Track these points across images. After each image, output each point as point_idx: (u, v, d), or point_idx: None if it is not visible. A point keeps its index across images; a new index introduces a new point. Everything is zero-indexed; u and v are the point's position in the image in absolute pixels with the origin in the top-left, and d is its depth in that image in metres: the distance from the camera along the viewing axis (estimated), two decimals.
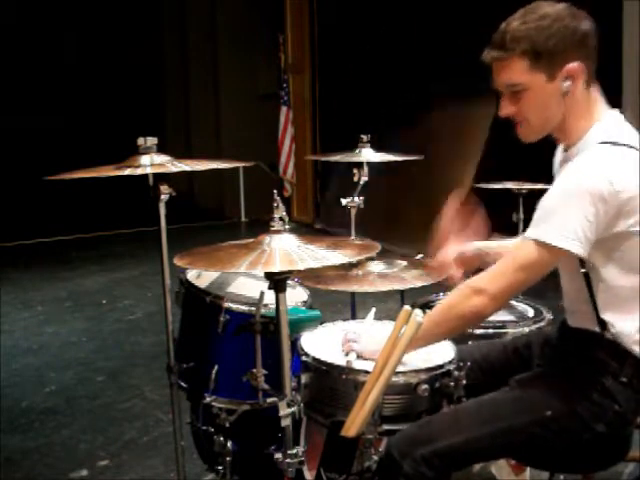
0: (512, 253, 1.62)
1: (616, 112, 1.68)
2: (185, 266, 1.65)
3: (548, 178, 3.00)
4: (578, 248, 1.53)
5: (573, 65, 1.58)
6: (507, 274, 1.59)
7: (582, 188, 1.52)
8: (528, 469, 2.15)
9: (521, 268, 1.57)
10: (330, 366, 1.74)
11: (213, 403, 2.05)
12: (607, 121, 1.64)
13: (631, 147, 1.59)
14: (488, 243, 2.02)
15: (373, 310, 2.08)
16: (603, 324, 1.63)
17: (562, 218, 1.53)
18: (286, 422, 1.61)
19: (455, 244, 2.02)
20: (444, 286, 2.06)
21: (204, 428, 2.16)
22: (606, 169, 1.53)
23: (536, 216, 1.60)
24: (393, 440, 1.64)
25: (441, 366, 1.73)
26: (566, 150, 1.72)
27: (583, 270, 1.62)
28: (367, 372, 1.65)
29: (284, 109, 8.05)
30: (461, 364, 1.76)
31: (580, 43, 1.58)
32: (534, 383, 1.72)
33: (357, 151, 2.72)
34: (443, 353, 1.81)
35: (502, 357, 1.94)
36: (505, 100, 1.66)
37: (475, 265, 1.98)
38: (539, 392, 1.68)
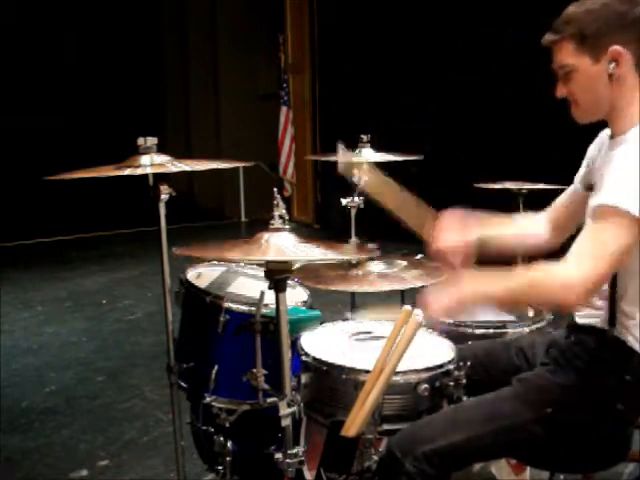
0: (591, 232, 1.54)
1: None
2: (184, 254, 1.63)
3: (548, 178, 3.01)
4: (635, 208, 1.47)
5: (616, 47, 1.60)
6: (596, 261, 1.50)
7: None
8: (528, 469, 2.15)
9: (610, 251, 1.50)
10: (330, 366, 1.74)
11: (213, 403, 2.05)
12: None
13: None
14: (487, 231, 2.00)
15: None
16: (613, 320, 1.63)
17: (623, 180, 1.50)
18: (286, 422, 1.61)
19: (452, 232, 2.00)
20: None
21: (204, 428, 2.16)
22: None
23: (608, 183, 1.55)
24: (394, 438, 1.64)
25: (441, 366, 1.73)
26: (612, 137, 1.70)
27: None
28: (367, 372, 1.65)
29: (284, 109, 8.05)
30: (461, 364, 1.76)
31: (626, 27, 1.60)
32: (535, 381, 1.72)
33: (357, 151, 2.71)
34: (443, 353, 1.81)
35: (505, 356, 1.95)
36: (560, 82, 1.70)
37: (474, 253, 1.96)
38: (540, 390, 1.68)
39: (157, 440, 3.15)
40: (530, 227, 2.04)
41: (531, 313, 2.35)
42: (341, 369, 1.72)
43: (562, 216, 1.96)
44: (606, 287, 1.63)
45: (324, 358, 1.77)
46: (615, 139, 1.67)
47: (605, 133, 1.79)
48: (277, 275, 1.56)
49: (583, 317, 1.74)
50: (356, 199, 2.70)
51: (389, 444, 1.64)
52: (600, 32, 1.60)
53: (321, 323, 2.08)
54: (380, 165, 2.71)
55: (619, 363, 1.63)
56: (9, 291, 5.53)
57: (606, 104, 1.65)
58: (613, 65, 1.61)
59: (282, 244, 1.59)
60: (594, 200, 1.56)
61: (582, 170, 1.88)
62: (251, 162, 2.47)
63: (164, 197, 2.00)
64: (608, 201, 1.51)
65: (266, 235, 1.63)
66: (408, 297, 2.43)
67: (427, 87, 6.72)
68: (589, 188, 1.76)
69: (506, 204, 3.05)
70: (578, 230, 1.62)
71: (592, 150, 1.85)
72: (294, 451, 1.63)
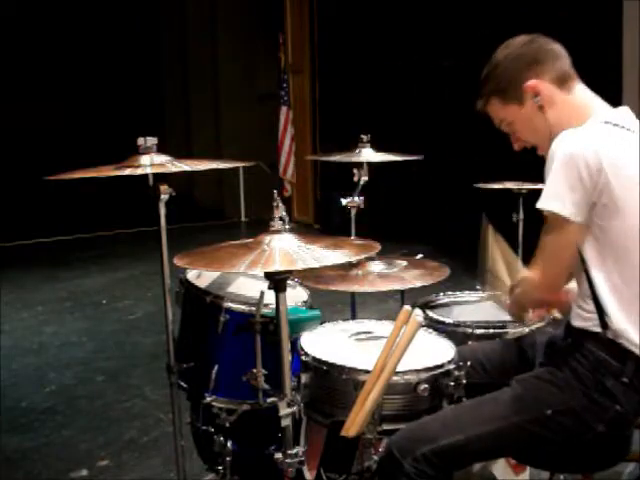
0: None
1: (624, 108, 1.73)
2: (185, 266, 1.65)
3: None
4: (561, 208, 1.57)
5: (530, 83, 1.72)
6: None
7: (567, 153, 1.58)
8: (528, 469, 2.15)
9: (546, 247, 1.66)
10: (330, 366, 1.74)
11: (213, 403, 2.05)
12: (603, 113, 1.70)
13: (628, 130, 1.65)
14: None
15: None
16: (605, 324, 1.64)
17: (549, 183, 1.60)
18: (286, 422, 1.62)
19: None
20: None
21: (204, 428, 2.16)
22: (593, 140, 1.59)
23: None
24: (394, 439, 1.64)
25: (441, 366, 1.73)
26: None
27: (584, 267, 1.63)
28: (367, 372, 1.65)
29: (284, 109, 8.05)
30: (461, 364, 1.76)
31: (529, 64, 1.73)
32: (535, 382, 1.72)
33: (357, 151, 2.71)
34: (443, 353, 1.82)
35: (506, 356, 1.95)
36: (511, 137, 1.84)
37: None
38: (540, 391, 1.68)
39: (157, 440, 3.15)
40: None
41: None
42: (341, 369, 1.72)
43: None
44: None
45: (324, 358, 1.77)
46: None
47: None
48: (277, 275, 1.56)
49: (577, 320, 1.74)
50: (356, 199, 2.70)
51: (389, 444, 1.64)
52: (511, 80, 1.74)
53: (321, 323, 2.08)
54: (380, 165, 2.73)
55: (616, 365, 1.63)
56: (9, 291, 5.52)
57: (554, 129, 1.71)
58: (538, 98, 1.73)
59: (286, 248, 1.59)
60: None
61: None
62: (251, 162, 2.47)
63: (164, 197, 2.01)
64: (541, 206, 1.61)
65: (267, 238, 1.63)
66: (408, 297, 2.43)
67: (427, 87, 6.72)
68: None
69: (506, 204, 3.06)
70: None
71: None
72: (294, 451, 1.63)
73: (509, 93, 1.76)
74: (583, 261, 1.63)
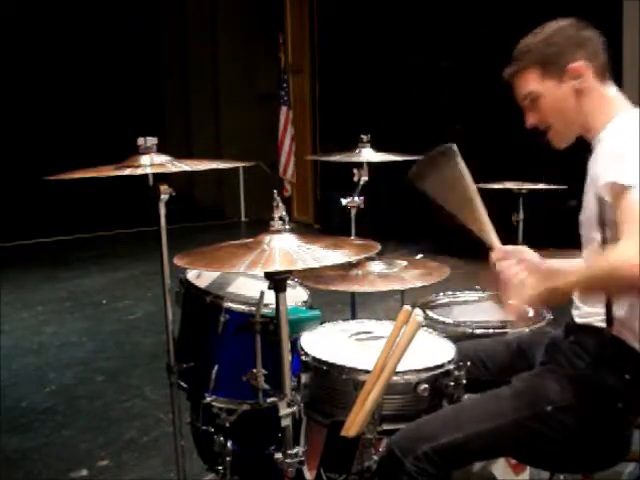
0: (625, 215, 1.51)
1: None
2: (185, 266, 1.65)
3: (548, 178, 3.01)
4: None
5: (576, 64, 1.70)
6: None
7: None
8: (528, 469, 2.15)
9: None
10: (330, 366, 1.74)
11: (213, 403, 2.05)
12: (633, 111, 1.70)
13: None
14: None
15: None
16: (610, 320, 1.63)
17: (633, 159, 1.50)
18: (286, 422, 1.62)
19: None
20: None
21: (204, 428, 2.16)
22: None
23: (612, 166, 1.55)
24: (395, 438, 1.64)
25: (441, 366, 1.73)
26: (591, 144, 1.74)
27: None
28: (367, 372, 1.65)
29: (284, 109, 8.05)
30: (461, 364, 1.76)
31: (580, 45, 1.71)
32: (536, 379, 1.72)
33: (357, 151, 2.71)
34: (443, 353, 1.82)
35: (506, 355, 1.95)
36: (528, 112, 1.79)
37: None
38: (540, 388, 1.68)
39: (157, 440, 3.15)
40: None
41: (531, 313, 2.35)
42: (341, 369, 1.72)
43: None
44: None
45: (324, 358, 1.77)
46: (593, 144, 1.72)
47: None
48: (277, 275, 1.56)
49: (581, 317, 1.74)
50: (356, 199, 2.70)
51: (389, 443, 1.64)
52: (560, 55, 1.71)
53: (321, 323, 2.08)
54: (380, 165, 2.72)
55: (618, 362, 1.63)
56: (9, 291, 5.52)
57: (578, 120, 1.73)
58: (579, 80, 1.70)
59: (286, 248, 1.59)
60: (606, 178, 1.54)
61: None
62: (251, 162, 2.47)
63: (164, 197, 2.01)
64: (623, 181, 1.49)
65: (267, 238, 1.63)
66: (408, 297, 2.43)
67: (427, 87, 6.72)
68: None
69: (506, 204, 3.06)
70: None
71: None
72: (294, 451, 1.63)
73: (552, 68, 1.72)
74: None
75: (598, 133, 1.70)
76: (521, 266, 1.73)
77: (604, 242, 1.62)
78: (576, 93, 1.71)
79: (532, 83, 1.74)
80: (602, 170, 1.57)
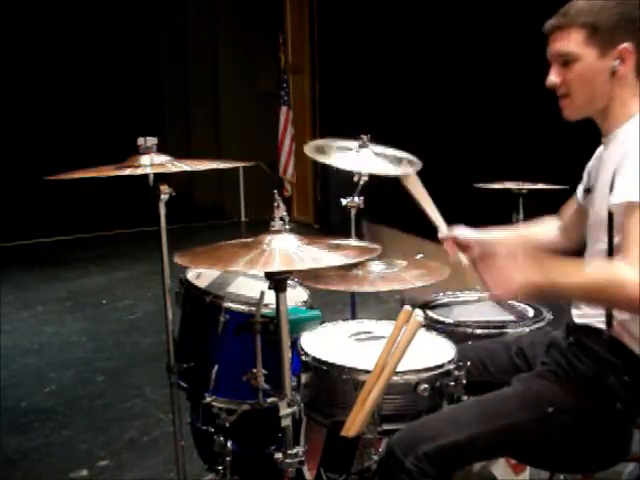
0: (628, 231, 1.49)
1: None
2: (186, 264, 1.65)
3: (548, 178, 3.01)
4: None
5: (627, 45, 1.61)
6: None
7: None
8: (528, 469, 2.15)
9: None
10: (330, 366, 1.74)
11: (213, 403, 2.05)
12: None
13: None
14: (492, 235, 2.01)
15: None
16: (610, 321, 1.63)
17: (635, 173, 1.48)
18: (286, 422, 1.61)
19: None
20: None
21: (204, 428, 2.16)
22: None
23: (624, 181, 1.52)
24: (395, 438, 1.64)
25: (441, 366, 1.73)
26: (604, 135, 1.71)
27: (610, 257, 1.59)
28: (367, 372, 1.65)
29: (284, 109, 8.04)
30: (461, 364, 1.76)
31: (638, 30, 1.61)
32: (536, 380, 1.72)
33: (357, 151, 2.71)
34: (443, 353, 1.81)
35: (505, 356, 1.95)
36: (554, 69, 1.69)
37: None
38: (541, 389, 1.68)
39: (157, 440, 3.15)
40: (539, 231, 2.04)
41: (531, 313, 2.35)
42: (341, 369, 1.72)
43: (569, 221, 1.97)
44: None
45: (324, 358, 1.77)
46: (608, 137, 1.69)
47: (599, 151, 1.80)
48: (277, 275, 1.56)
49: (581, 317, 1.74)
50: (356, 199, 2.69)
51: (389, 444, 1.64)
52: (614, 28, 1.60)
53: (321, 323, 2.08)
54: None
55: (617, 364, 1.63)
56: (9, 291, 5.52)
57: (600, 101, 1.66)
58: (618, 62, 1.62)
59: (286, 248, 1.59)
60: (619, 196, 1.52)
61: (582, 184, 1.89)
62: (251, 162, 2.47)
63: (164, 197, 2.01)
64: (635, 198, 1.47)
65: (268, 238, 1.63)
66: (408, 297, 2.43)
67: (427, 87, 6.71)
68: (587, 191, 1.78)
69: (506, 204, 3.05)
70: None
71: (590, 166, 1.86)
72: (294, 451, 1.63)
73: (600, 38, 1.61)
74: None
75: (614, 128, 1.66)
76: (515, 257, 1.59)
77: (610, 254, 1.60)
78: (611, 75, 1.62)
79: (573, 44, 1.63)
80: (621, 184, 1.52)
